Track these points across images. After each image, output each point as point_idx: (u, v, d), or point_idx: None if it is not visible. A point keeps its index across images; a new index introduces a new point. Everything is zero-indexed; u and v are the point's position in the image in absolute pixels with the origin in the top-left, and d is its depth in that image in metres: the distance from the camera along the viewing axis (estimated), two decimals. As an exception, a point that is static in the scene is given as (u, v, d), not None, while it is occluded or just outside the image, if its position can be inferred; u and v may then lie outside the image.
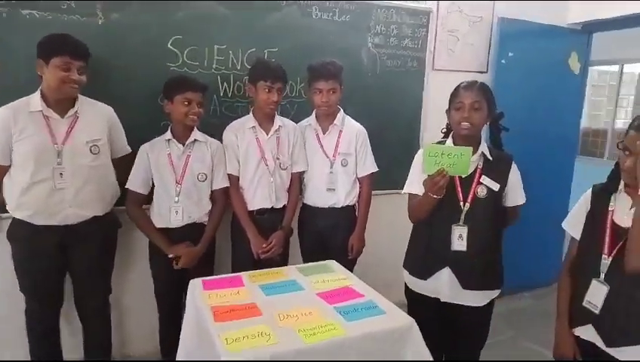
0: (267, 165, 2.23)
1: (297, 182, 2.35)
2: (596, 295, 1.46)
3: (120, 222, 2.20)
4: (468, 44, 3.20)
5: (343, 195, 2.31)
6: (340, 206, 2.31)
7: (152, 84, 2.24)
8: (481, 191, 1.73)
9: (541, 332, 3.02)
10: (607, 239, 1.46)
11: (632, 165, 1.36)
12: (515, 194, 1.81)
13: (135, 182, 2.11)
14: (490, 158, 1.76)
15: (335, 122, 2.31)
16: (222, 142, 2.25)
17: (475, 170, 1.75)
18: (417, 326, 1.46)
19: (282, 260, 2.31)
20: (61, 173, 1.87)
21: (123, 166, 2.13)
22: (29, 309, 2.05)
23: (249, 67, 2.48)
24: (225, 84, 2.50)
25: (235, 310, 1.52)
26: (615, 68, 6.08)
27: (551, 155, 3.51)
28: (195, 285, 1.74)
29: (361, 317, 1.49)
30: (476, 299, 1.80)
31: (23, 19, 2.04)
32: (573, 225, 1.62)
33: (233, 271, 2.29)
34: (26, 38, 1.98)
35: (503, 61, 3.25)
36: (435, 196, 1.64)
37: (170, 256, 2.11)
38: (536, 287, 3.69)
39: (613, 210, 1.47)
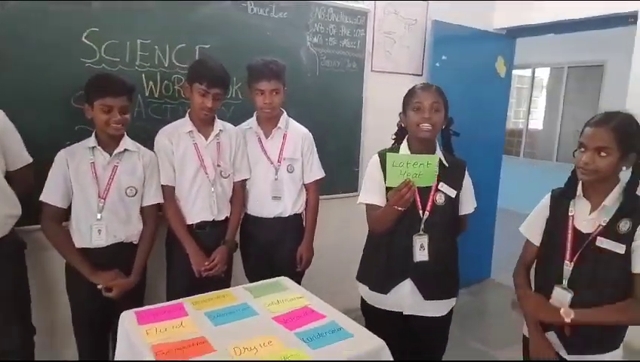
0: (207, 173, 2.00)
1: (241, 192, 2.14)
2: (560, 301, 1.44)
3: (24, 243, 1.84)
4: (404, 46, 3.20)
5: (290, 204, 2.14)
6: (286, 215, 2.15)
7: (64, 83, 1.94)
8: (440, 199, 1.67)
9: (483, 332, 3.14)
10: (568, 245, 1.45)
11: (588, 160, 1.36)
12: (467, 202, 1.77)
13: (52, 195, 1.77)
14: (447, 165, 1.70)
15: (279, 125, 2.14)
16: (153, 149, 1.98)
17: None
18: (387, 348, 1.35)
19: (225, 279, 2.10)
20: None
21: (23, 180, 1.79)
22: None
23: (178, 64, 2.25)
24: (150, 83, 2.22)
25: (182, 347, 1.29)
26: (528, 72, 6.56)
27: (480, 156, 3.60)
28: (127, 318, 1.48)
29: (327, 342, 1.34)
30: (438, 308, 1.74)
31: None
32: (531, 230, 1.60)
33: (168, 295, 2.05)
34: None
35: (437, 64, 3.29)
36: (400, 209, 1.54)
37: (99, 286, 1.81)
38: (471, 284, 3.81)
39: (573, 216, 1.47)
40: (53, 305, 2.11)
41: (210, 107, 1.92)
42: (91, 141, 1.82)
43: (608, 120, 1.37)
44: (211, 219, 2.04)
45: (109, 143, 1.83)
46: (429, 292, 1.69)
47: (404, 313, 1.71)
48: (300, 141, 2.17)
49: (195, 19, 2.29)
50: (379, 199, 1.69)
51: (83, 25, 2.01)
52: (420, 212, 1.66)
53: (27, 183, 1.80)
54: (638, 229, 1.34)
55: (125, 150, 1.86)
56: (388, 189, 1.64)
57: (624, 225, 1.36)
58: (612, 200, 1.40)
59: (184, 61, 2.25)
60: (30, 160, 1.82)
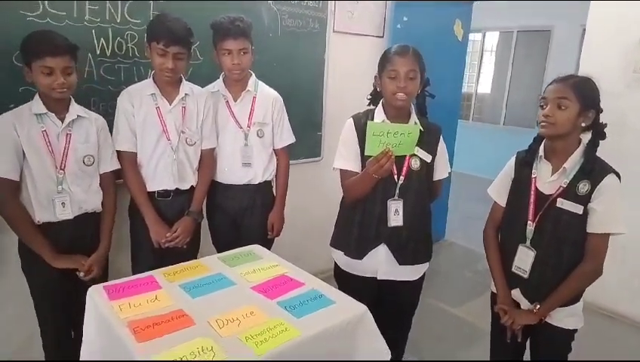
0: (170, 140, 1.88)
1: (210, 160, 2.04)
2: (524, 260, 1.53)
3: None
4: (366, 7, 3.12)
5: (260, 170, 2.08)
6: (257, 182, 2.08)
7: (3, 39, 1.72)
8: (415, 164, 1.67)
9: (440, 289, 3.28)
10: (531, 206, 1.52)
11: (548, 112, 1.43)
12: (442, 167, 1.78)
13: (3, 166, 1.58)
14: (422, 129, 1.67)
15: (248, 88, 2.03)
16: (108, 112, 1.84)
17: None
18: (370, 313, 1.37)
19: (193, 249, 2.03)
20: None
21: None
22: None
23: (132, 20, 2.07)
24: (102, 40, 2.02)
25: (160, 322, 1.24)
26: (478, 36, 6.68)
27: (437, 120, 3.68)
28: (96, 294, 1.40)
29: (310, 310, 1.34)
30: (412, 273, 1.78)
31: None
32: (498, 191, 1.68)
33: (134, 268, 1.97)
34: None
35: (398, 26, 3.25)
36: (378, 177, 1.54)
37: (79, 273, 1.70)
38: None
39: (535, 178, 1.54)
40: None
41: (171, 68, 1.78)
42: (39, 107, 1.63)
43: (569, 77, 1.47)
44: (174, 188, 1.94)
45: (57, 109, 1.66)
46: (403, 257, 1.72)
47: (378, 278, 1.74)
48: (270, 105, 2.09)
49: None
50: (354, 165, 1.68)
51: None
52: (395, 177, 1.66)
53: None
54: (595, 191, 1.42)
55: (78, 116, 1.70)
56: (363, 155, 1.63)
57: (583, 187, 1.44)
58: (572, 162, 1.47)
59: (138, 16, 2.07)
60: None
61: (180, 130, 1.90)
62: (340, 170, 1.72)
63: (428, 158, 1.69)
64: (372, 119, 1.68)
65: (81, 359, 1.37)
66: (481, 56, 6.80)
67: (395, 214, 1.66)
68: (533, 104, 6.12)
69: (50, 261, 1.66)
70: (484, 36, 6.70)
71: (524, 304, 1.58)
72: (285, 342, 1.19)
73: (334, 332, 1.28)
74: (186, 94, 1.91)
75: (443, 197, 4.05)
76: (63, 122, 1.66)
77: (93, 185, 1.77)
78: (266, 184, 2.14)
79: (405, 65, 1.59)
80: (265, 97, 2.09)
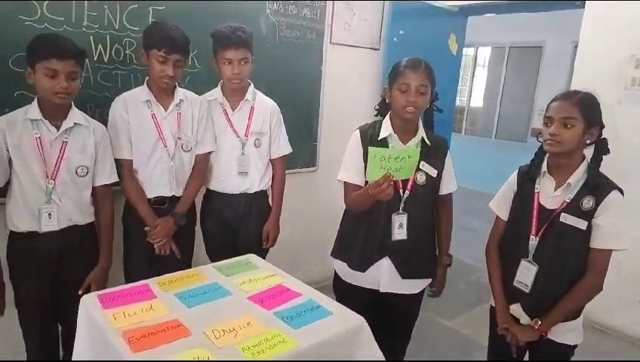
0: (166, 146, 1.87)
1: (203, 165, 2.02)
2: (526, 274, 1.53)
3: None
4: (363, 19, 3.16)
5: (257, 179, 2.07)
6: (253, 191, 2.07)
7: (6, 45, 1.71)
8: (420, 178, 1.66)
9: (433, 300, 3.26)
10: (534, 221, 1.52)
11: (555, 130, 1.43)
12: (449, 181, 1.75)
13: None
14: (429, 143, 1.68)
15: (246, 97, 2.03)
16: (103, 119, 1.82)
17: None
18: (367, 325, 1.36)
19: (186, 257, 2.01)
20: None
21: None
22: None
23: (130, 27, 2.06)
24: (100, 46, 2.02)
25: (156, 332, 1.22)
26: (470, 51, 6.78)
27: (443, 131, 3.74)
28: (89, 303, 1.37)
29: (307, 321, 1.33)
30: (414, 286, 1.76)
31: None
32: (499, 205, 1.67)
33: (126, 276, 1.94)
34: None
35: (394, 39, 3.29)
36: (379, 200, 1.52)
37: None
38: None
39: (538, 192, 1.54)
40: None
41: (171, 75, 1.78)
42: (34, 112, 1.59)
43: (573, 94, 1.46)
44: (170, 195, 1.92)
45: (54, 115, 1.62)
46: (406, 271, 1.70)
47: (380, 290, 1.72)
48: (268, 115, 2.09)
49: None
50: (357, 178, 1.68)
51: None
52: (401, 191, 1.65)
53: None
54: (599, 206, 1.43)
55: (75, 124, 1.66)
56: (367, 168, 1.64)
57: (587, 202, 1.44)
58: (577, 177, 1.47)
59: (136, 23, 2.07)
60: None
61: (176, 137, 1.89)
62: (344, 182, 1.72)
63: (434, 173, 1.68)
64: (379, 131, 1.68)
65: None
66: (474, 70, 6.90)
67: (400, 228, 1.65)
68: (525, 118, 6.21)
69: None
70: (476, 51, 6.80)
71: (524, 319, 1.57)
72: (283, 352, 1.17)
73: (332, 343, 1.27)
74: (180, 100, 1.90)
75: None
76: (58, 130, 1.63)
77: (84, 197, 1.72)
78: (262, 193, 2.13)
79: (417, 79, 1.59)
80: (263, 107, 2.09)
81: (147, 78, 1.89)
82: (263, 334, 1.24)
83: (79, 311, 1.38)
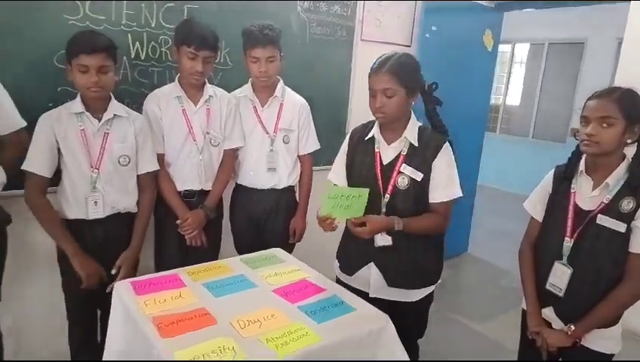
0: (195, 140, 1.93)
1: (230, 160, 2.06)
2: (559, 277, 1.47)
3: (9, 217, 1.72)
4: (395, 15, 3.13)
5: (285, 175, 2.10)
6: (281, 187, 2.11)
7: (45, 42, 1.79)
8: (402, 182, 1.54)
9: (462, 304, 3.22)
10: (569, 222, 1.46)
11: (592, 131, 1.36)
12: (440, 188, 1.55)
13: (36, 163, 1.64)
14: (416, 144, 1.56)
15: (275, 94, 2.06)
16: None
17: (397, 157, 1.57)
18: (392, 324, 1.35)
19: (213, 250, 2.06)
20: None
21: (16, 144, 1.67)
22: None
23: (166, 25, 2.13)
24: (137, 44, 2.09)
25: (184, 319, 1.27)
26: (507, 48, 6.59)
27: (463, 131, 3.64)
28: (123, 289, 1.44)
29: (331, 316, 1.34)
30: (406, 295, 1.64)
31: None
32: (534, 206, 1.62)
33: (157, 267, 2.01)
34: None
35: (427, 35, 3.24)
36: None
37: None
38: (450, 257, 3.89)
39: (574, 193, 1.49)
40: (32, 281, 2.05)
41: (200, 71, 1.83)
42: (77, 106, 1.68)
43: (611, 91, 1.38)
44: (199, 189, 1.98)
45: (95, 108, 1.70)
46: (392, 279, 1.62)
47: (370, 295, 1.64)
48: (297, 112, 2.11)
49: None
50: (338, 179, 1.69)
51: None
52: (382, 194, 1.58)
53: (21, 148, 1.66)
54: None
55: (115, 115, 1.74)
56: (350, 167, 1.67)
57: (627, 204, 1.37)
58: (616, 177, 1.40)
59: (172, 21, 2.13)
60: (23, 123, 1.67)
61: (205, 132, 1.94)
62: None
63: (418, 176, 1.54)
64: (369, 131, 1.64)
65: (105, 351, 1.40)
66: (510, 68, 6.70)
67: (382, 234, 1.55)
68: (564, 117, 5.99)
69: (70, 257, 1.68)
70: (513, 47, 6.61)
71: (557, 324, 1.51)
72: (306, 346, 1.19)
73: (355, 340, 1.28)
74: (210, 96, 1.95)
75: (467, 210, 4.00)
76: (100, 121, 1.71)
77: (128, 185, 1.80)
78: (290, 189, 2.16)
79: (379, 82, 1.50)
80: (292, 104, 2.11)
81: (178, 74, 1.95)
82: (286, 326, 1.27)
83: (113, 297, 1.45)
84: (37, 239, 1.95)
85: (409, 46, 3.26)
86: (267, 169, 2.08)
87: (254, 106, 2.08)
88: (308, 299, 1.44)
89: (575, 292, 1.45)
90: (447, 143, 1.58)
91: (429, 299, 1.71)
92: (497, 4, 3.60)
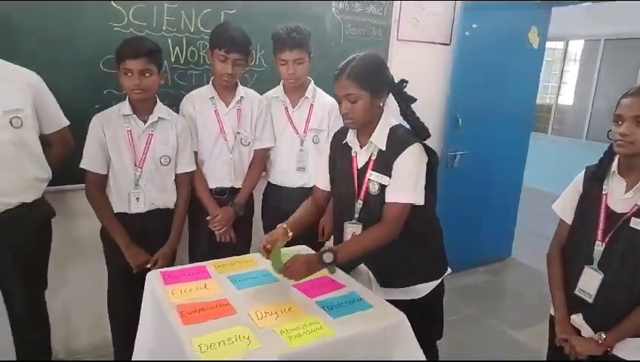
0: (226, 140, 2.01)
1: (260, 160, 2.14)
2: (589, 283, 1.41)
3: (54, 211, 1.87)
4: (432, 13, 3.09)
5: (314, 175, 2.14)
6: (310, 186, 2.14)
7: (93, 47, 1.94)
8: (373, 187, 1.52)
9: (502, 310, 3.12)
10: (601, 225, 1.40)
11: (625, 130, 1.30)
12: (392, 189, 1.47)
13: (90, 161, 1.80)
14: (383, 148, 1.51)
15: (306, 95, 2.11)
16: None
17: (368, 161, 1.54)
18: (408, 322, 1.35)
19: (244, 245, 2.14)
20: None
21: (61, 142, 1.81)
22: None
23: (204, 30, 2.23)
24: (177, 48, 2.21)
25: (206, 309, 1.33)
26: (559, 45, 6.29)
27: (507, 131, 3.55)
28: (154, 278, 1.53)
29: (347, 312, 1.36)
30: (405, 293, 1.60)
31: None
32: (564, 208, 1.56)
33: (190, 260, 2.11)
34: None
35: (467, 33, 3.17)
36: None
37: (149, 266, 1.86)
38: (491, 263, 3.77)
39: (606, 194, 1.42)
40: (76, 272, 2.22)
41: (230, 73, 1.91)
42: (125, 108, 1.81)
43: None
44: (230, 186, 2.06)
45: (142, 110, 1.83)
46: (383, 280, 1.61)
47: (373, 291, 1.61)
48: (326, 112, 2.15)
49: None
50: (323, 184, 1.71)
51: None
52: (355, 200, 1.57)
53: (66, 146, 1.82)
54: None
55: (159, 118, 1.86)
56: (331, 173, 1.67)
57: None
58: None
59: (209, 26, 2.22)
60: (66, 123, 1.82)
61: (235, 131, 2.02)
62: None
63: (385, 181, 1.49)
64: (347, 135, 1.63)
65: (137, 335, 1.49)
66: (563, 66, 6.38)
67: (353, 237, 1.56)
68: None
69: (123, 249, 1.84)
70: (566, 45, 6.28)
71: (586, 331, 1.45)
72: (318, 339, 1.21)
73: (369, 336, 1.29)
74: (241, 97, 2.03)
75: (511, 213, 3.86)
76: (145, 123, 1.83)
77: (167, 183, 1.92)
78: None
79: (340, 89, 1.48)
80: (322, 104, 2.15)
81: (212, 77, 2.04)
82: (302, 320, 1.30)
83: (145, 285, 1.54)
84: (79, 232, 2.14)
85: (448, 44, 3.21)
86: (297, 168, 2.13)
87: (285, 107, 2.14)
88: (326, 294, 1.46)
89: (606, 298, 1.38)
90: (414, 145, 1.48)
91: (436, 295, 1.66)
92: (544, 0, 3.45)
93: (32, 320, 1.85)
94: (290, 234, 1.60)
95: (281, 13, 2.38)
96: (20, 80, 1.66)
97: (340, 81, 1.48)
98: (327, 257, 1.43)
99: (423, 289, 1.62)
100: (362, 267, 1.64)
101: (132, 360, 1.51)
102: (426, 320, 1.62)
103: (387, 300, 1.51)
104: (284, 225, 1.60)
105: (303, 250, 1.86)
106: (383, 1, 2.83)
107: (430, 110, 3.26)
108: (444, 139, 3.30)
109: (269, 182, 2.24)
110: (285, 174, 2.16)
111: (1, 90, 1.59)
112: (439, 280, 1.66)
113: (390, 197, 1.49)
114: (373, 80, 1.48)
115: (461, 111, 3.25)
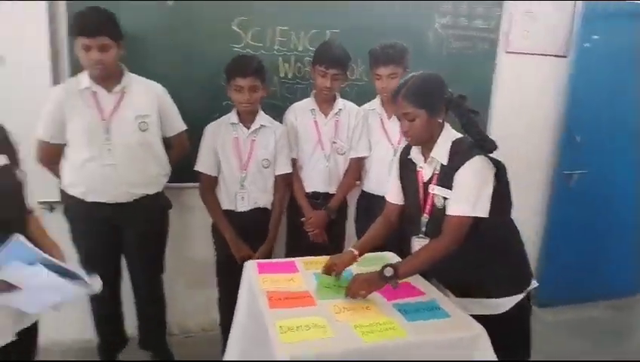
0: (323, 149, 2.18)
1: (355, 168, 2.27)
2: None
3: (170, 203, 2.20)
4: (546, 24, 2.93)
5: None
6: None
7: (215, 65, 2.23)
8: (438, 201, 1.54)
9: (626, 351, 2.68)
10: None
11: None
12: (453, 202, 1.48)
13: (204, 164, 2.10)
14: (445, 163, 1.52)
15: None
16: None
17: (432, 177, 1.56)
18: (487, 336, 1.34)
19: (337, 247, 2.25)
20: (109, 150, 1.87)
21: (179, 144, 2.13)
22: None
23: (311, 48, 2.43)
24: (286, 65, 2.45)
25: (290, 298, 1.48)
26: None
27: (634, 150, 3.18)
28: (250, 267, 1.73)
29: (422, 318, 1.40)
30: (486, 308, 1.56)
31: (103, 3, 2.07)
32: None
33: (287, 255, 2.29)
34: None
35: (586, 44, 2.94)
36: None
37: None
38: (616, 297, 3.35)
39: None
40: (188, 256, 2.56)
41: (328, 87, 2.07)
42: (233, 117, 2.09)
43: None
44: (324, 191, 2.22)
45: (246, 119, 2.09)
46: (453, 290, 1.62)
47: None
48: None
49: (328, 5, 2.43)
50: (393, 198, 1.75)
51: (233, 14, 2.30)
52: (422, 214, 1.59)
53: (183, 147, 2.14)
54: None
55: (261, 126, 2.09)
56: (404, 188, 1.70)
57: None
58: None
59: (315, 44, 2.41)
60: (185, 127, 2.14)
61: (332, 141, 2.17)
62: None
63: (449, 195, 1.51)
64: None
65: (235, 312, 1.69)
66: None
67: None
68: None
69: (229, 242, 2.09)
70: None
71: None
72: (389, 338, 1.28)
73: (441, 343, 1.31)
74: (339, 109, 2.18)
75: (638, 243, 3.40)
76: (249, 130, 2.08)
77: (267, 184, 2.15)
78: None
79: (398, 109, 1.55)
80: None
81: (314, 90, 2.23)
82: (377, 318, 1.37)
83: (243, 273, 1.75)
84: (192, 225, 2.47)
85: (564, 57, 3.01)
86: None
87: (381, 119, 2.24)
88: (405, 298, 1.51)
89: None
90: (475, 158, 1.46)
91: (520, 310, 1.58)
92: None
93: (151, 299, 2.20)
94: (357, 256, 1.69)
95: (382, 30, 2.47)
96: (150, 91, 2.00)
97: (397, 101, 1.54)
98: (388, 271, 1.47)
99: (504, 304, 1.57)
100: (434, 282, 1.67)
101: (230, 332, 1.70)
102: (508, 337, 1.54)
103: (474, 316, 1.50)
104: (353, 250, 1.68)
105: (390, 255, 1.92)
106: (492, 13, 2.76)
107: (540, 125, 3.08)
108: (559, 157, 3.08)
109: (363, 190, 2.34)
110: (379, 183, 2.24)
111: (134, 99, 1.94)
112: (523, 294, 1.60)
113: (450, 209, 1.50)
114: (428, 98, 1.51)
115: (579, 127, 3.01)
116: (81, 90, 1.86)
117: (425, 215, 1.58)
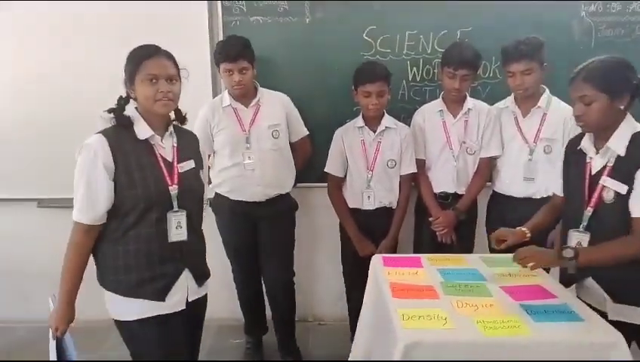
0: (452, 149, 2.18)
1: (485, 168, 2.22)
2: None
3: (297, 205, 2.41)
4: None
5: (543, 186, 2.07)
6: (538, 197, 2.08)
7: (348, 73, 2.38)
8: (608, 195, 1.43)
9: None
10: None
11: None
12: (636, 200, 1.38)
13: (332, 166, 2.28)
14: (622, 154, 1.42)
15: (538, 104, 2.09)
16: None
17: (604, 168, 1.46)
18: (626, 344, 1.24)
19: (466, 248, 2.25)
20: (249, 156, 2.16)
21: (303, 148, 2.35)
22: (235, 273, 2.44)
23: (439, 50, 2.45)
24: (414, 68, 2.52)
25: (413, 289, 1.55)
26: None
27: None
28: (377, 261, 1.84)
29: (551, 319, 1.34)
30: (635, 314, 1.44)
31: (251, 24, 2.45)
32: None
33: (414, 252, 2.36)
34: (255, 40, 2.22)
35: None
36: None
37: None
38: None
39: None
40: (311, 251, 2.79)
41: (457, 88, 2.08)
42: (359, 121, 2.23)
43: None
44: (453, 191, 2.21)
45: (372, 122, 2.22)
46: (614, 295, 1.47)
47: (609, 317, 1.45)
48: (561, 122, 2.06)
49: (457, 4, 2.42)
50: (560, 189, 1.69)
51: (365, 24, 2.46)
52: (585, 207, 1.48)
53: (306, 150, 2.38)
54: None
55: (386, 128, 2.20)
56: (566, 180, 1.64)
57: None
58: None
59: (445, 45, 2.40)
60: (307, 132, 2.38)
61: (461, 141, 2.17)
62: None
63: (622, 189, 1.40)
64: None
65: (364, 300, 1.81)
66: None
67: (579, 245, 1.49)
68: None
69: (354, 240, 2.24)
70: None
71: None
72: (512, 335, 1.26)
73: (569, 347, 1.24)
74: (469, 109, 2.17)
75: None
76: (374, 133, 2.21)
77: (392, 184, 2.25)
78: (545, 200, 2.09)
79: (574, 91, 1.47)
80: (557, 114, 2.07)
81: (442, 92, 2.26)
82: (500, 316, 1.36)
83: (370, 266, 1.87)
84: (319, 223, 2.68)
85: None
86: (524, 178, 2.12)
87: (515, 117, 2.16)
88: (533, 300, 1.46)
89: None
90: None
91: None
92: None
93: (282, 288, 2.42)
94: (528, 236, 1.68)
95: (517, 24, 2.39)
96: (278, 102, 2.27)
97: (575, 82, 1.48)
98: (567, 253, 1.41)
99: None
100: (590, 282, 1.55)
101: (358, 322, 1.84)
102: None
103: (624, 322, 1.42)
104: (525, 229, 1.68)
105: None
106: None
107: None
108: None
109: (494, 191, 2.28)
110: (511, 184, 2.17)
111: (267, 111, 2.21)
112: None
113: (636, 211, 1.40)
114: (612, 82, 1.42)
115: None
116: (224, 108, 2.20)
117: (589, 208, 1.50)
